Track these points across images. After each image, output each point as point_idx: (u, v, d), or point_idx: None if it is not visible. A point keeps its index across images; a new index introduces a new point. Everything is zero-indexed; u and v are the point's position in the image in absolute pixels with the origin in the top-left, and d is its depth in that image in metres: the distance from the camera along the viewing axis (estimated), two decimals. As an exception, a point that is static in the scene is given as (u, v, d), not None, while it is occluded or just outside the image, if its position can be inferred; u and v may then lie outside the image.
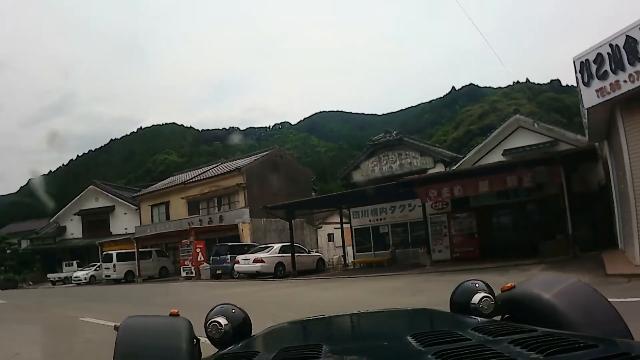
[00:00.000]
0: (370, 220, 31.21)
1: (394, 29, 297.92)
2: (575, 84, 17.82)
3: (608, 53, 13.48)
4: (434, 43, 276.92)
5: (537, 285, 1.94)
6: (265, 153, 42.74)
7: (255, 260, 27.75)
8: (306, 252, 31.35)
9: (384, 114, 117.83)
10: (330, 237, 44.03)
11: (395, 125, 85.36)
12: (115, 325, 1.79)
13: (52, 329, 11.70)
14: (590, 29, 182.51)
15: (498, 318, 1.98)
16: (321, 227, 44.15)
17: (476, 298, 1.96)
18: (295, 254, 28.82)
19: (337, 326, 2.39)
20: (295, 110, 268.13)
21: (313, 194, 42.14)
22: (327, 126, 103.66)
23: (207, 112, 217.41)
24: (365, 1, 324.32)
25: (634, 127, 13.69)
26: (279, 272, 27.87)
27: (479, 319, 1.83)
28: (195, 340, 1.85)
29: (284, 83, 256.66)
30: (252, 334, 2.14)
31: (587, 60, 14.12)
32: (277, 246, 29.43)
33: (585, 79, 14.18)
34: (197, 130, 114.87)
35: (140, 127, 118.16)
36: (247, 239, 35.23)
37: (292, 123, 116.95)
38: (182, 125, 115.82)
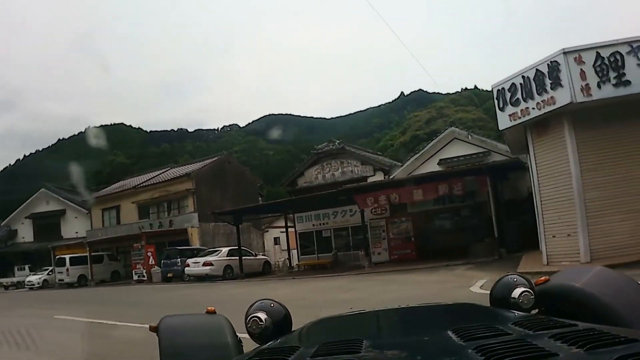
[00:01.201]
0: (314, 225, 32.69)
1: (344, 34, 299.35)
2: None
3: (520, 83, 15.71)
4: (384, 48, 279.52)
5: (571, 277, 2.02)
6: (214, 159, 43.55)
7: (205, 264, 28.79)
8: (253, 256, 32.61)
9: (332, 118, 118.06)
10: (276, 240, 45.30)
11: (344, 129, 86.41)
12: (150, 326, 1.90)
13: (39, 323, 12.56)
14: (536, 38, 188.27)
15: (535, 312, 2.00)
16: (267, 231, 45.08)
17: (516, 292, 1.98)
18: (243, 257, 30.04)
19: (377, 321, 2.35)
20: (244, 113, 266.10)
21: (260, 199, 43.30)
22: (276, 129, 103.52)
23: (155, 112, 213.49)
24: (317, 4, 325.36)
25: (540, 147, 15.94)
26: (227, 274, 28.97)
27: (519, 313, 1.85)
28: (238, 337, 1.97)
29: (233, 84, 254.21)
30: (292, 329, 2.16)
31: (503, 88, 16.27)
32: (225, 250, 30.58)
33: (501, 105, 16.31)
34: (146, 131, 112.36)
35: (89, 127, 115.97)
36: (196, 243, 36.10)
37: (241, 125, 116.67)
38: (130, 125, 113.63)
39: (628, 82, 14.05)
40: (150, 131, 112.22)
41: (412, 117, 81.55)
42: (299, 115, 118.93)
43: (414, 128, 74.19)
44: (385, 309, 2.52)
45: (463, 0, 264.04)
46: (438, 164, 28.82)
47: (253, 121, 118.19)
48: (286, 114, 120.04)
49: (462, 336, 1.34)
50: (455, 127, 31.31)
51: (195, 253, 31.36)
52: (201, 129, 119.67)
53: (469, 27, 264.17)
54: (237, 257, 29.77)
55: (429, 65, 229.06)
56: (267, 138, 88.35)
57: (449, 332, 1.43)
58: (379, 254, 28.02)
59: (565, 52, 14.40)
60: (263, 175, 55.62)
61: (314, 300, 14.63)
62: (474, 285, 14.10)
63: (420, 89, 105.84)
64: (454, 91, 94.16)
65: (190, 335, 1.86)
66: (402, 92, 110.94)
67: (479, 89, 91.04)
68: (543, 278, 2.11)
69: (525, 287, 1.99)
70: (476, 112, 72.42)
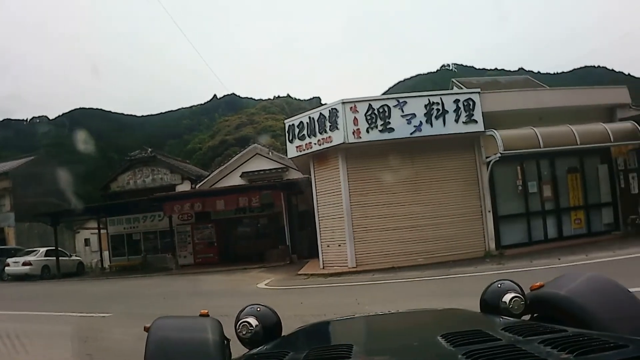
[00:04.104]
0: (125, 228, 33.98)
1: (157, 30, 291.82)
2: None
3: (307, 122, 19.13)
4: (200, 50, 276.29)
5: (562, 284, 1.98)
6: (31, 157, 42.94)
7: (24, 263, 29.02)
8: (68, 256, 33.21)
9: (143, 116, 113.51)
10: (87, 241, 45.48)
11: (153, 128, 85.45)
12: (145, 327, 1.90)
13: None
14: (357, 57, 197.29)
15: (527, 317, 2.01)
16: (79, 232, 45.18)
17: (506, 298, 1.97)
18: (59, 258, 30.79)
19: (367, 326, 2.35)
20: (54, 104, 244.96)
21: (72, 199, 43.32)
22: (86, 124, 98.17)
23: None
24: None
25: (320, 174, 19.56)
26: (45, 274, 29.45)
27: (509, 319, 1.85)
28: (226, 341, 1.93)
29: (43, 73, 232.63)
30: (282, 334, 2.18)
31: (293, 124, 19.73)
32: (42, 250, 30.88)
33: (290, 138, 19.75)
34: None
35: None
36: (11, 243, 35.91)
37: (51, 117, 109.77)
38: None
39: (392, 129, 17.77)
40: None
41: (223, 121, 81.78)
42: (110, 111, 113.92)
43: (224, 132, 74.22)
44: (375, 315, 2.59)
45: (286, 13, 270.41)
46: (241, 176, 31.65)
47: (63, 114, 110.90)
48: (96, 109, 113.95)
49: (452, 342, 1.35)
50: (258, 143, 34.28)
51: (14, 253, 31.30)
52: (9, 119, 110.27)
53: (286, 36, 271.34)
54: (54, 258, 30.40)
55: (245, 71, 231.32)
56: (76, 133, 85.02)
57: (439, 338, 1.43)
58: (185, 257, 30.08)
59: (344, 102, 17.91)
60: (72, 172, 54.73)
61: (132, 293, 17.04)
62: (260, 283, 17.57)
63: (233, 93, 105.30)
64: (266, 98, 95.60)
65: (178, 337, 1.83)
66: (214, 95, 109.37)
67: (292, 97, 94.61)
68: (538, 284, 2.09)
69: (515, 293, 2.00)
70: (286, 120, 74.44)
